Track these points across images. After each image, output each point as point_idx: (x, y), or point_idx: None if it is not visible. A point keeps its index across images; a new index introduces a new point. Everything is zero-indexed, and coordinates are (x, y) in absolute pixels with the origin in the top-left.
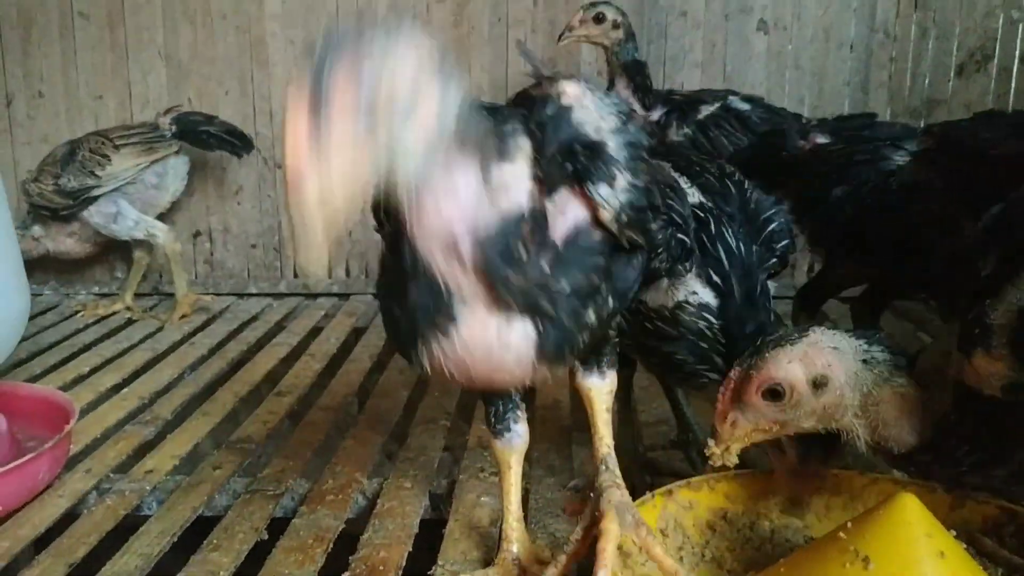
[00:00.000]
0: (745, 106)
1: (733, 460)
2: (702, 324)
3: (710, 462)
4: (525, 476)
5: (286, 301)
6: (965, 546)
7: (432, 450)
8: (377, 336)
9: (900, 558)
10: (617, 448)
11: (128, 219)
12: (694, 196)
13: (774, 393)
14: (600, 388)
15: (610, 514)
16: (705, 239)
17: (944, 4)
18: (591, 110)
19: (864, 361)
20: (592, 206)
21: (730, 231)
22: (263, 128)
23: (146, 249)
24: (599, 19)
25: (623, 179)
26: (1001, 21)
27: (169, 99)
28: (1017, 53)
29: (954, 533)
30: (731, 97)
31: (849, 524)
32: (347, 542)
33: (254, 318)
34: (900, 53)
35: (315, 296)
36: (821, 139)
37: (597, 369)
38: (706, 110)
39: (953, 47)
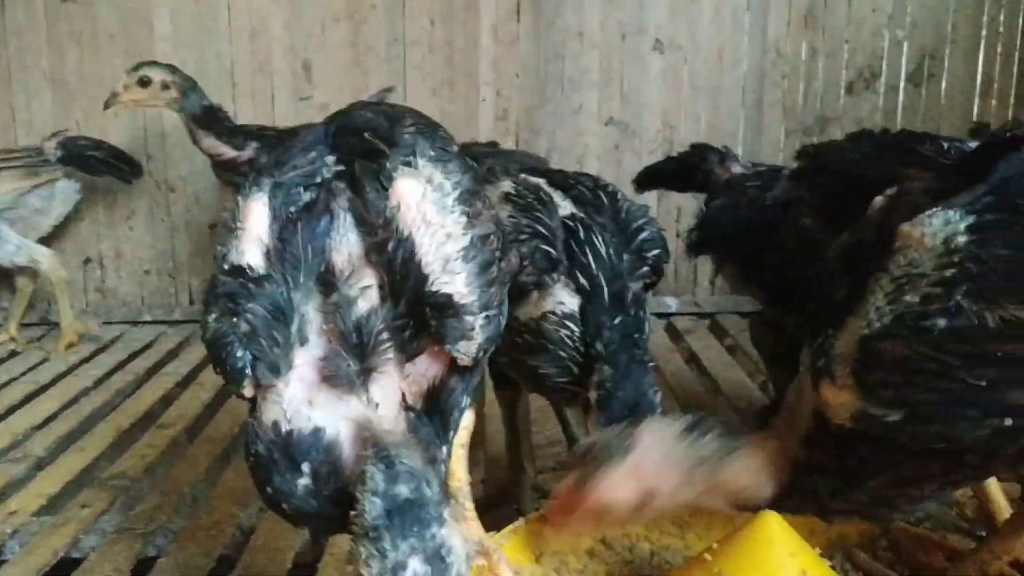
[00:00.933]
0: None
1: None
2: (563, 333)
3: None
4: None
5: (181, 328)
6: (839, 559)
7: None
8: None
9: None
10: (507, 471)
11: (9, 244)
12: (566, 208)
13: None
14: None
15: None
16: (574, 246)
17: (833, 23)
18: (434, 222)
19: (694, 463)
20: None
21: (600, 239)
22: (155, 150)
23: (29, 276)
24: (144, 83)
25: (479, 321)
26: (887, 40)
27: (55, 123)
28: (903, 71)
29: (819, 551)
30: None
31: (715, 545)
32: None
33: (146, 347)
34: (792, 72)
35: None
36: (737, 168)
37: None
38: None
39: (842, 65)
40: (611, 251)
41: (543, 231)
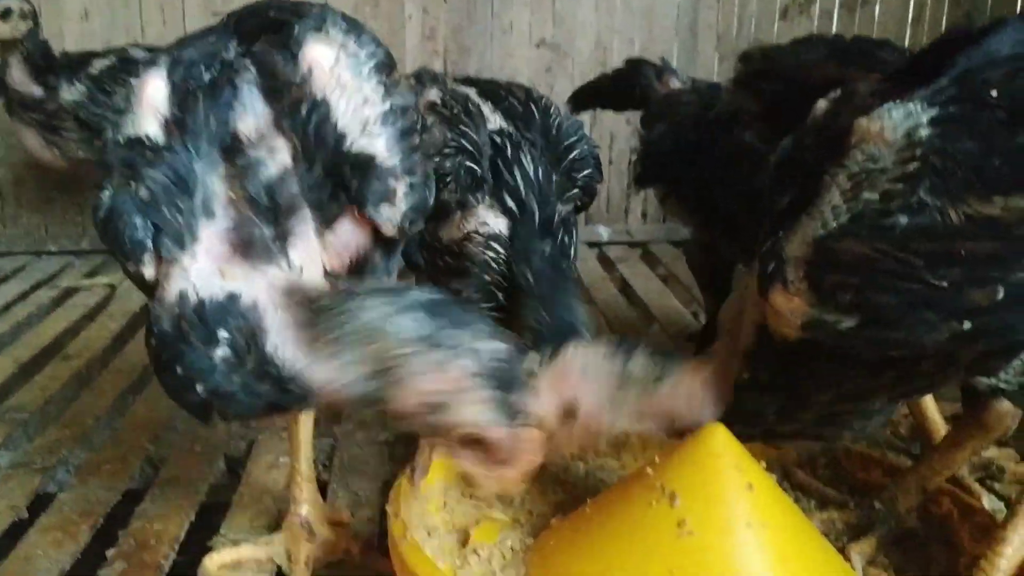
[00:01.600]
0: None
1: None
2: (489, 255)
3: None
4: (331, 432)
5: (89, 258)
6: (777, 478)
7: None
8: None
9: (707, 492)
10: None
11: None
12: (495, 122)
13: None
14: None
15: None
16: (501, 165)
17: None
18: (350, 86)
19: (618, 385)
20: (373, 225)
21: (529, 157)
22: None
23: None
24: (5, 15)
25: (403, 186)
26: None
27: None
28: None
29: (764, 464)
30: (131, 49)
31: (657, 459)
32: (126, 516)
33: (51, 277)
34: None
35: None
36: (675, 83)
37: None
38: (99, 64)
39: None
40: (540, 171)
41: (468, 147)
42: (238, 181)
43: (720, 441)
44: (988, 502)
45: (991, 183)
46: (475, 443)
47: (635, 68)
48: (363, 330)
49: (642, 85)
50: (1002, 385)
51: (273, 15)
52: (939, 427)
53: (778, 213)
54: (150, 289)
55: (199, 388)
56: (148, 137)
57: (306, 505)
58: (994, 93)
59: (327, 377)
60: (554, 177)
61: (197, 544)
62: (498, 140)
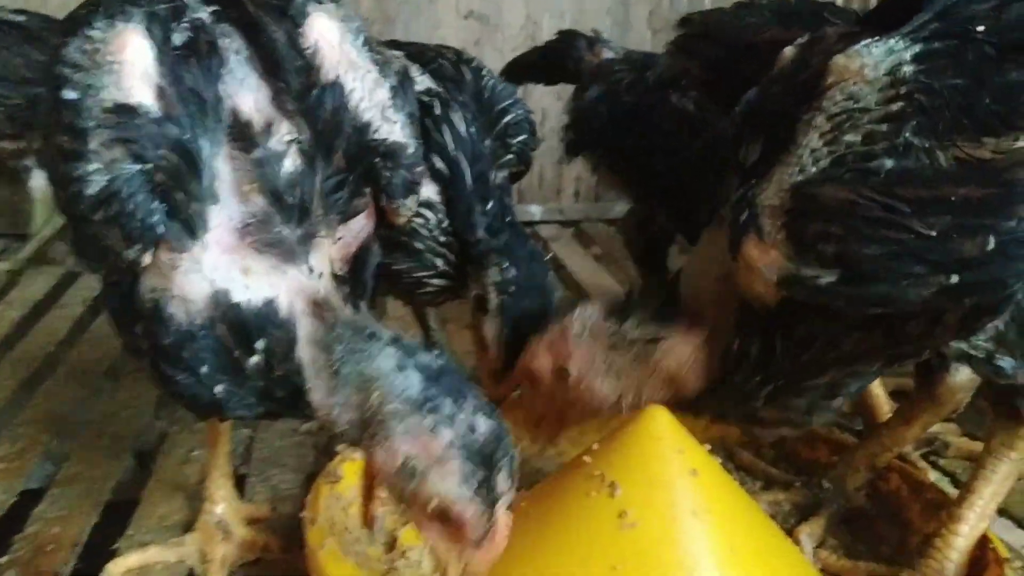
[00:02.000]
0: (20, 18)
1: None
2: (418, 222)
3: None
4: (249, 424)
5: None
6: (721, 460)
7: (142, 401)
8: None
9: (650, 480)
10: None
11: None
12: (423, 83)
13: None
14: None
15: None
16: (431, 125)
17: None
18: (361, 65)
19: (612, 346)
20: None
21: (459, 116)
22: None
23: None
24: None
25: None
26: None
27: None
28: None
29: (709, 447)
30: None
31: (595, 446)
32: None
33: None
34: None
35: (24, 237)
36: (608, 54)
37: None
38: None
39: None
40: (472, 130)
41: None
42: (254, 170)
43: (661, 424)
44: (934, 477)
45: (981, 123)
46: (445, 519)
47: (567, 40)
48: (368, 376)
49: (574, 58)
50: (971, 351)
51: None
52: (882, 403)
53: (749, 166)
54: (132, 274)
55: (218, 389)
56: (142, 106)
57: (222, 503)
58: (981, 27)
59: (321, 405)
60: (487, 142)
61: (101, 547)
62: (426, 99)
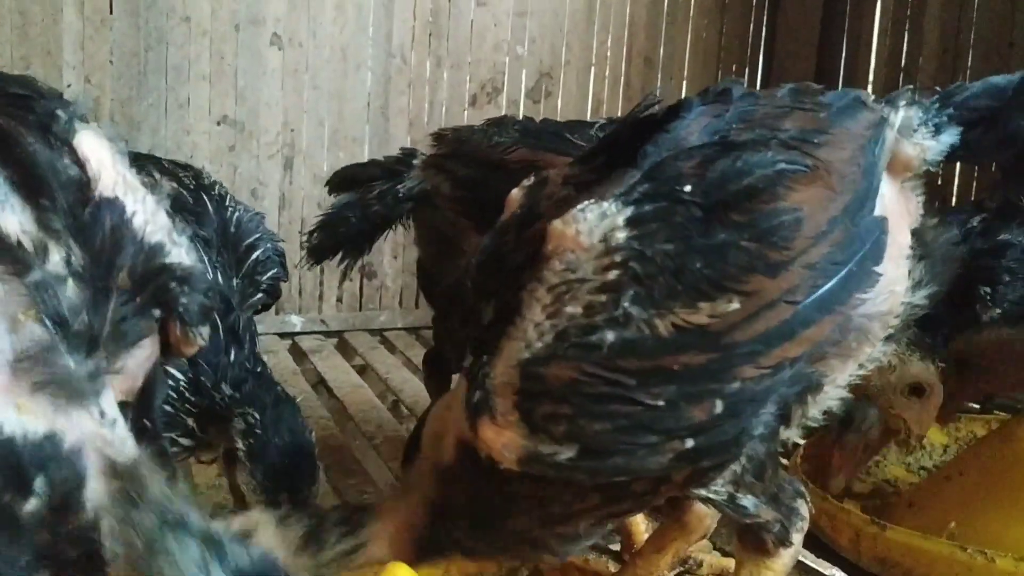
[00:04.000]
0: None
1: None
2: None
3: None
4: None
5: None
6: None
7: None
8: None
9: None
10: None
11: None
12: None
13: None
14: None
15: None
16: None
17: (456, 34)
18: (135, 185)
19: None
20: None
21: (206, 260)
22: None
23: None
24: None
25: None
26: (508, 56)
27: None
28: (523, 87)
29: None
30: None
31: None
32: None
33: None
34: (417, 80)
35: None
36: None
37: None
38: None
39: (466, 78)
40: (219, 276)
41: None
42: (30, 295)
43: None
44: None
45: (694, 288)
46: None
47: (407, 161)
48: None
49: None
50: (711, 495)
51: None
52: (639, 524)
53: (484, 326)
54: None
55: None
56: None
57: None
58: (687, 187)
59: None
60: (235, 282)
61: None
62: None
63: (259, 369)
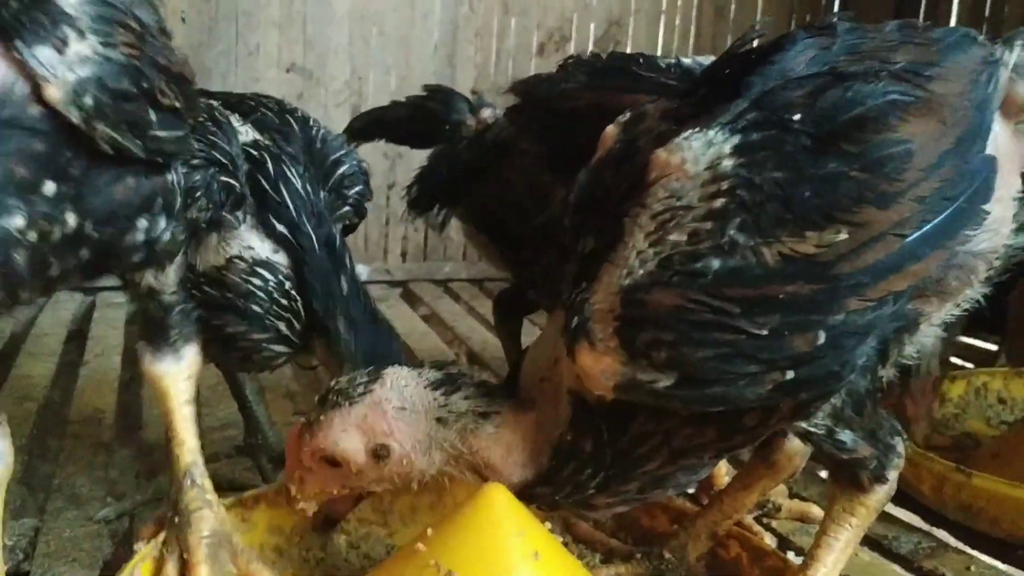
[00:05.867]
0: None
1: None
2: (255, 283)
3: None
4: (35, 510)
5: None
6: (562, 539)
7: None
8: None
9: (490, 567)
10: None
11: None
12: (247, 134)
13: (332, 460)
14: (175, 373)
15: (198, 552)
16: (263, 181)
17: None
18: None
19: (439, 419)
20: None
21: (294, 172)
22: None
23: None
24: None
25: (84, 45)
26: (576, 4)
27: None
28: (591, 36)
29: (549, 525)
30: None
31: (430, 531)
32: None
33: None
34: (484, 28)
35: None
36: (491, 118)
37: (168, 346)
38: None
39: (534, 26)
40: (309, 187)
41: (221, 158)
42: None
43: (500, 505)
44: (770, 541)
45: (803, 217)
46: None
47: (444, 99)
48: None
49: (453, 121)
50: (811, 428)
51: None
52: (720, 468)
53: (582, 258)
54: None
55: None
56: None
57: None
58: (797, 116)
59: None
60: (323, 194)
61: None
62: (255, 153)
63: (357, 289)
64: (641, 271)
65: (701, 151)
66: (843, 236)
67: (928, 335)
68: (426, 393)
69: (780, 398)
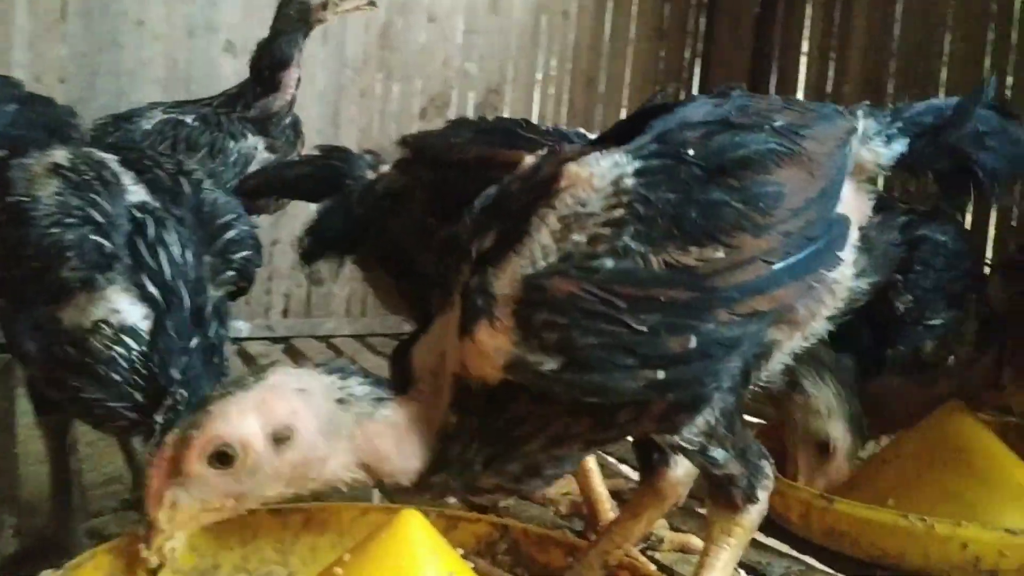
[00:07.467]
0: None
1: (179, 556)
2: (117, 351)
3: (148, 565)
4: None
5: None
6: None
7: None
8: None
9: None
10: (50, 517)
11: None
12: (137, 194)
13: (223, 457)
14: None
15: None
16: (142, 244)
17: (406, 47)
18: None
19: (340, 400)
20: None
21: (175, 236)
22: None
23: None
24: None
25: None
26: (456, 72)
27: None
28: (471, 103)
29: (461, 551)
30: None
31: (347, 556)
32: None
33: None
34: (368, 91)
35: None
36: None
37: None
38: None
39: (417, 90)
40: (188, 253)
41: (98, 217)
42: None
43: (415, 528)
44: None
45: (688, 234)
46: None
47: (345, 158)
48: None
49: (355, 176)
50: (685, 444)
51: None
52: (604, 501)
53: (481, 254)
54: None
55: None
56: None
57: None
58: (691, 151)
59: None
60: (206, 259)
61: None
62: (138, 215)
63: (215, 359)
64: (544, 263)
65: (608, 169)
66: (720, 254)
67: (779, 363)
68: (322, 377)
69: (651, 395)
